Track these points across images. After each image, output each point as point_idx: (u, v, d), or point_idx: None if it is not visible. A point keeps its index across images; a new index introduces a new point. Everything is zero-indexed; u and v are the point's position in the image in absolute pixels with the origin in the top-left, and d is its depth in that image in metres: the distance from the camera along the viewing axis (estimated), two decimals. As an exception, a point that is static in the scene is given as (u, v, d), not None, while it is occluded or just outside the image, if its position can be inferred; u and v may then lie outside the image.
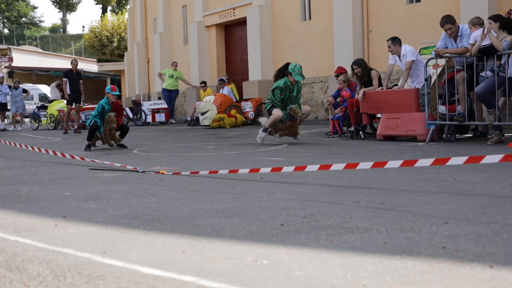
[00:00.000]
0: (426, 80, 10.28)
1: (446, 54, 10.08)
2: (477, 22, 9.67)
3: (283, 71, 10.84)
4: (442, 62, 10.37)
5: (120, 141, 11.31)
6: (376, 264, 2.97)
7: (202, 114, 17.66)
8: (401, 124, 10.40)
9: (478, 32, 9.43)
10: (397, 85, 11.67)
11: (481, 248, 3.18)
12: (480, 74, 9.50)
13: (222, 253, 3.32)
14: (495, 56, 9.21)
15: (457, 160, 5.01)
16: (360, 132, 11.45)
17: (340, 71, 12.54)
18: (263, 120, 11.07)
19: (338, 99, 12.38)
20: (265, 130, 10.71)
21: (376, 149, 9.21)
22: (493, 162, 4.83)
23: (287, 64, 10.82)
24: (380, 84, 11.51)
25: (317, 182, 5.95)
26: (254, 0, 20.77)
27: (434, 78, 11.43)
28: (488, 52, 9.23)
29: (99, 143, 11.62)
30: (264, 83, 20.22)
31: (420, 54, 12.66)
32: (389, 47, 11.09)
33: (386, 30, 15.85)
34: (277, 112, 10.56)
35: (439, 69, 10.92)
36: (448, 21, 10.00)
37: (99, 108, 11.09)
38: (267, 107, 10.86)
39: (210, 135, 14.35)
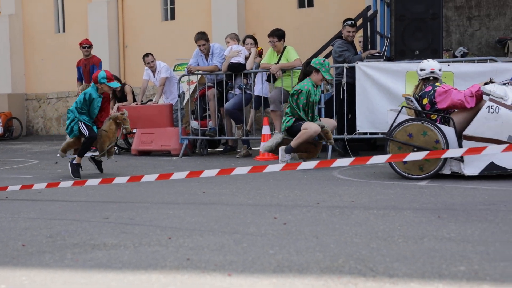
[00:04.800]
0: (179, 96, 10.55)
1: (198, 72, 10.44)
2: (234, 37, 10.21)
3: (304, 73, 7.88)
4: (196, 79, 10.72)
5: (112, 154, 7.88)
6: (121, 280, 2.96)
7: None
8: (156, 139, 10.54)
9: (234, 47, 9.91)
10: (151, 100, 11.82)
11: (222, 257, 3.33)
12: (230, 91, 10.00)
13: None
14: (242, 74, 9.76)
15: (210, 173, 5.21)
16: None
17: None
18: (278, 137, 7.84)
19: None
20: (290, 151, 7.58)
21: (131, 164, 9.21)
22: (242, 173, 5.10)
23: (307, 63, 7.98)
24: (134, 100, 11.54)
25: (67, 199, 5.77)
26: (3, 9, 19.61)
27: (187, 94, 11.77)
28: (236, 70, 9.75)
29: (70, 152, 7.79)
30: (14, 97, 19.15)
31: (175, 71, 12.96)
32: (150, 63, 11.16)
33: (142, 46, 15.94)
34: (313, 127, 7.52)
35: (193, 86, 11.28)
36: (202, 37, 10.34)
37: (86, 99, 7.40)
38: (288, 124, 7.72)
39: (-49, 152, 13.19)
